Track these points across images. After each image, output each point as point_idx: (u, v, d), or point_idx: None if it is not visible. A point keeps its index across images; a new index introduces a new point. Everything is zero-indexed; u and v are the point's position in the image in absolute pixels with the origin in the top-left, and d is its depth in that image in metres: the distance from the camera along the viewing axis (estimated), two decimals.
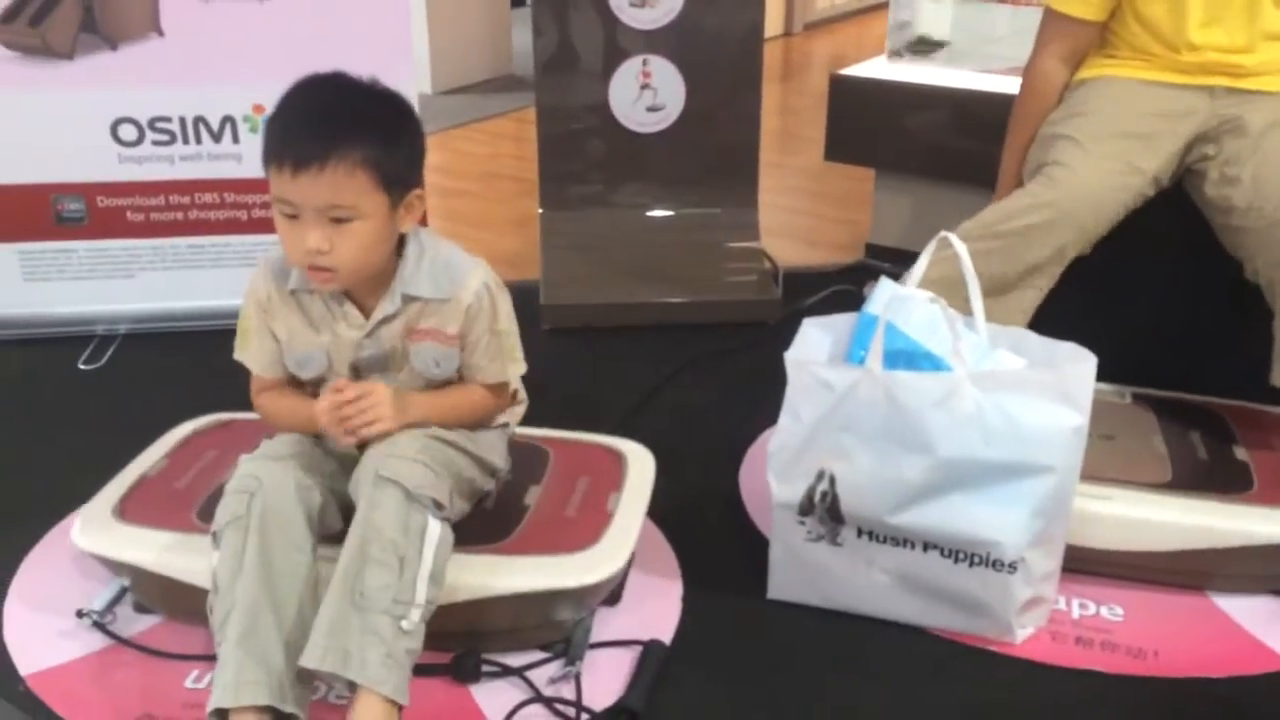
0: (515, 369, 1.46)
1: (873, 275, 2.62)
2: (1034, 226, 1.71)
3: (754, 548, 1.66)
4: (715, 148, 2.58)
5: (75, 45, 2.16)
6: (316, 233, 1.26)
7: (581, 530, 1.47)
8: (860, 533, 1.46)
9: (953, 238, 1.43)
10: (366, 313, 1.38)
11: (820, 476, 1.44)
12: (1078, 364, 1.38)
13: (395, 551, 1.25)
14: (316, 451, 1.39)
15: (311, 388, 1.46)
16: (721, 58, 2.51)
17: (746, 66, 2.53)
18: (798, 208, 3.34)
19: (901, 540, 1.44)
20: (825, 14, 6.40)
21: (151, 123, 2.23)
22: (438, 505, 1.30)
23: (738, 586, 1.59)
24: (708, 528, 1.75)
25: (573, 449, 1.68)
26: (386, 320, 1.38)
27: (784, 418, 1.47)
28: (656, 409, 2.10)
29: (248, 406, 1.50)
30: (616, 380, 2.20)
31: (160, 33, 2.17)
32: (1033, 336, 1.47)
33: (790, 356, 1.44)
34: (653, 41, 2.48)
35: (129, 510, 1.52)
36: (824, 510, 1.46)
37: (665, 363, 2.26)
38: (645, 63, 2.50)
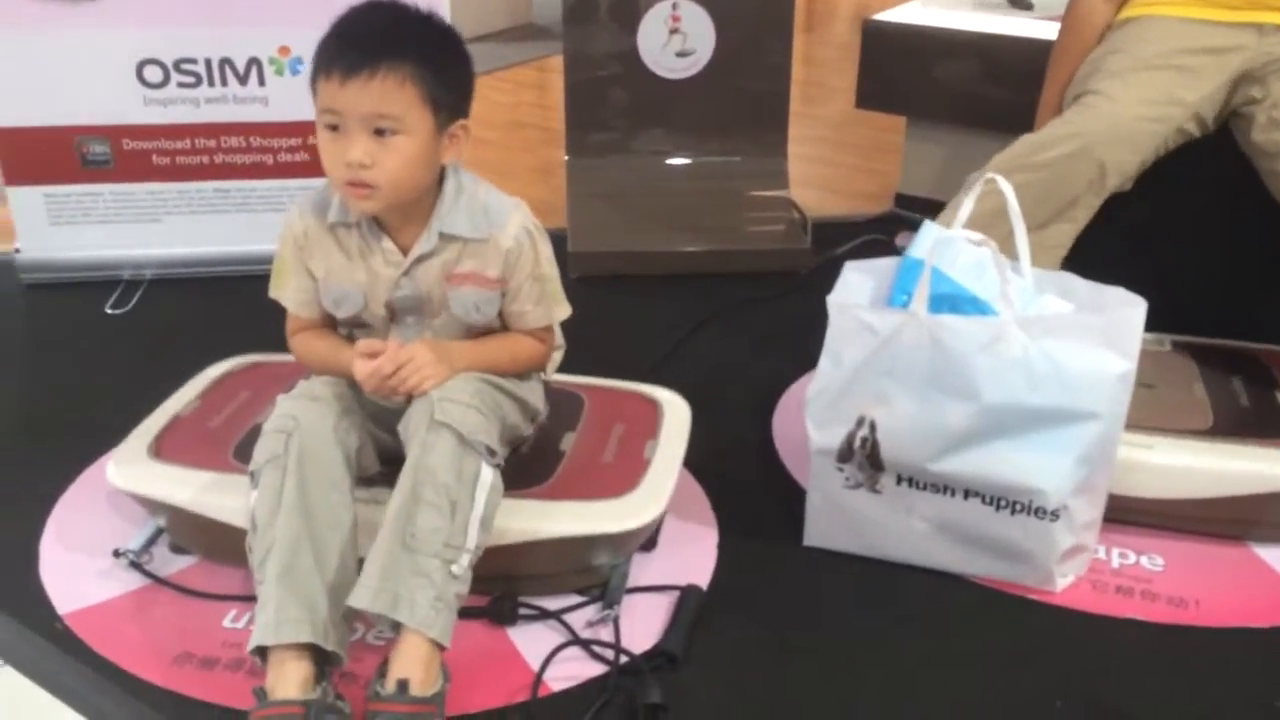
0: (560, 311, 1.44)
1: (904, 225, 2.62)
2: (1067, 156, 1.68)
3: (788, 495, 1.66)
4: (744, 94, 2.54)
5: None
6: (361, 144, 1.25)
7: (619, 476, 1.46)
8: (900, 480, 1.45)
9: (999, 179, 1.40)
10: (404, 251, 1.37)
11: (860, 422, 1.43)
12: (1126, 309, 1.36)
13: (448, 495, 1.24)
14: (353, 393, 1.38)
15: (346, 328, 1.44)
16: (752, 2, 2.46)
17: (777, 11, 2.49)
18: (822, 157, 3.30)
19: (942, 487, 1.43)
20: None
21: (177, 64, 2.20)
22: (490, 451, 1.29)
23: (773, 533, 1.59)
24: (741, 475, 1.74)
25: (607, 396, 1.67)
26: (424, 259, 1.36)
27: (824, 362, 1.45)
28: (686, 357, 2.08)
29: (275, 350, 1.48)
30: (645, 329, 2.18)
31: None
32: (1080, 281, 1.45)
33: (832, 299, 1.42)
34: None
35: (164, 449, 1.51)
36: (863, 457, 1.44)
37: (694, 311, 2.24)
38: (675, 6, 2.45)
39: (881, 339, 1.36)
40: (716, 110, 2.54)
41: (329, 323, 1.45)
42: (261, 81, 2.23)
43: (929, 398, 1.36)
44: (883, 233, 2.55)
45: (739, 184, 2.56)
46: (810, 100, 3.88)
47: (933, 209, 2.64)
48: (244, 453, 1.48)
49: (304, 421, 1.30)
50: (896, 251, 2.42)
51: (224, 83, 2.23)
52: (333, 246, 1.38)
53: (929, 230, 1.45)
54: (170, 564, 1.51)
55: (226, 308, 2.25)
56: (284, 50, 2.21)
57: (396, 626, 1.22)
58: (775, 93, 2.54)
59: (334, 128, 1.26)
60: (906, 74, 2.58)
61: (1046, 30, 2.47)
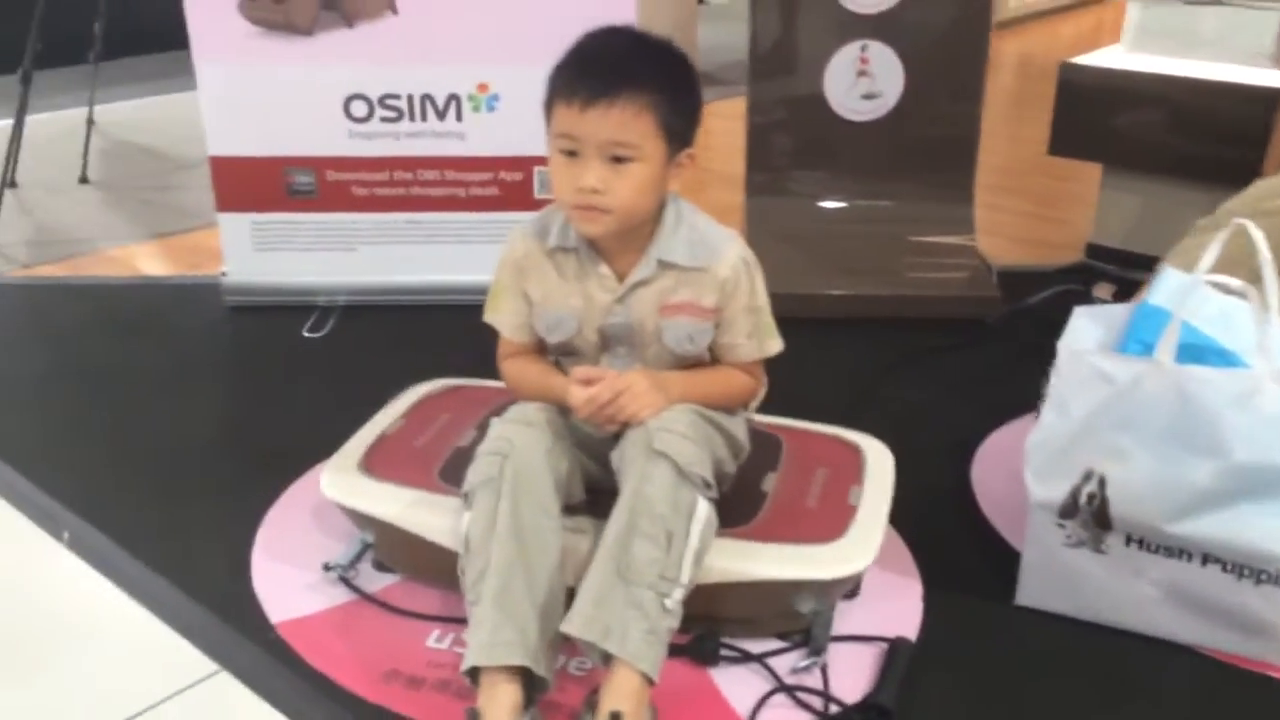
0: (772, 345, 1.42)
1: (1099, 276, 2.52)
2: None
3: (994, 550, 1.59)
4: (931, 138, 2.49)
5: (315, 22, 2.23)
6: (595, 170, 1.26)
7: (826, 522, 1.42)
8: (1129, 540, 1.36)
9: (1250, 226, 1.32)
10: (620, 277, 1.37)
11: (1088, 477, 1.36)
12: None
13: (664, 526, 1.23)
14: (564, 419, 1.38)
15: (556, 355, 1.45)
16: (945, 45, 2.43)
17: (971, 55, 2.44)
18: (1002, 205, 3.21)
19: (1177, 551, 1.34)
20: (1014, 13, 6.17)
21: (381, 100, 2.29)
22: (706, 484, 1.27)
23: (980, 589, 1.52)
24: (941, 526, 1.67)
25: (806, 439, 1.63)
26: (640, 285, 1.36)
27: (1048, 412, 1.39)
28: (874, 402, 2.03)
29: (466, 376, 1.48)
30: (830, 373, 2.14)
31: (395, 11, 2.22)
32: None
33: (1065, 345, 1.36)
34: (873, 27, 2.41)
35: (373, 465, 1.55)
36: (1089, 514, 1.37)
37: (879, 357, 2.19)
38: (864, 48, 2.43)
39: (1118, 389, 1.30)
40: (902, 153, 2.50)
41: (540, 349, 1.46)
42: (459, 117, 2.30)
43: (1169, 454, 1.29)
44: (1076, 283, 2.45)
45: (923, 228, 2.50)
46: (982, 148, 3.79)
47: (1127, 260, 2.56)
48: (449, 474, 1.51)
49: (518, 445, 1.31)
50: (1092, 304, 2.33)
51: (424, 118, 2.30)
52: (551, 270, 1.39)
53: (1169, 277, 1.38)
54: (375, 581, 1.54)
55: (414, 335, 2.31)
56: (482, 87, 2.28)
57: (606, 658, 1.21)
58: (964, 137, 2.49)
59: (570, 153, 1.27)
60: (1105, 120, 2.49)
61: (1255, 77, 2.36)
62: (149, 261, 2.86)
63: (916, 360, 2.19)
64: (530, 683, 1.23)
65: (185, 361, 2.27)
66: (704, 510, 1.27)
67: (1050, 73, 2.59)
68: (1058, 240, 2.86)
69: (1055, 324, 2.31)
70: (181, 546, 1.64)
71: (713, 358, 1.43)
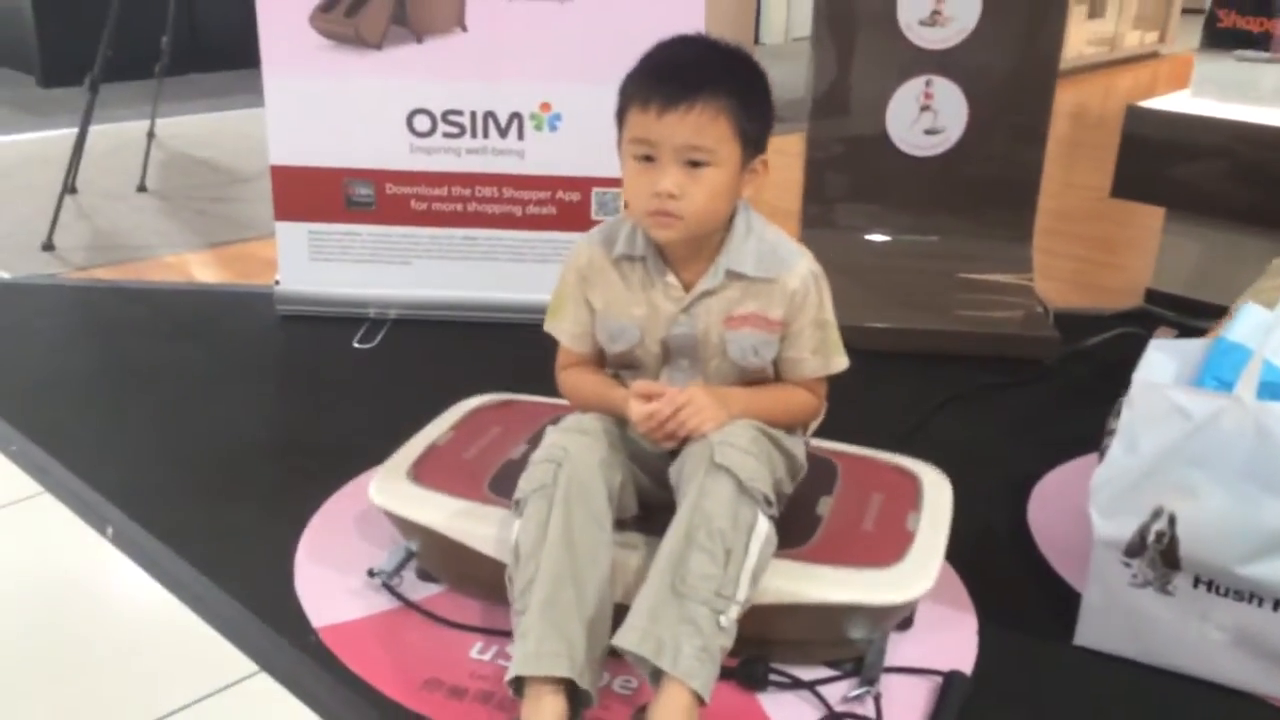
0: (839, 361, 1.40)
1: (1160, 321, 2.47)
2: None
3: (1051, 589, 1.56)
4: (993, 176, 2.47)
5: (385, 37, 2.26)
6: (672, 175, 1.25)
7: (884, 546, 1.39)
8: (1198, 582, 1.32)
9: None
10: (686, 287, 1.35)
11: (1157, 515, 1.31)
12: None
13: (722, 542, 1.20)
14: (619, 431, 1.37)
15: (615, 368, 1.44)
16: (1010, 83, 2.41)
17: (1037, 92, 2.41)
18: (1058, 250, 3.17)
19: (1248, 595, 1.29)
20: (1070, 64, 6.14)
21: (444, 115, 2.31)
22: (767, 501, 1.25)
23: (1036, 627, 1.48)
24: (997, 563, 1.63)
25: (861, 464, 1.60)
26: (707, 295, 1.34)
27: (1117, 447, 1.35)
28: (928, 437, 1.99)
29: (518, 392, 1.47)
30: (884, 406, 2.11)
31: (464, 28, 2.24)
32: None
33: (1139, 378, 1.33)
34: (939, 62, 2.40)
35: (422, 474, 1.53)
36: (1157, 553, 1.33)
37: (933, 392, 2.15)
38: (928, 83, 2.42)
39: (1195, 424, 1.26)
40: (962, 190, 2.48)
41: (599, 361, 1.44)
42: (520, 135, 2.31)
43: (1245, 493, 1.24)
44: (1136, 327, 2.41)
45: (981, 266, 2.47)
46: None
47: (1187, 307, 2.51)
48: (499, 486, 1.49)
49: (573, 453, 1.29)
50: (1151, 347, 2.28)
51: (485, 135, 2.32)
52: (616, 279, 1.38)
53: (1249, 313, 1.34)
54: (418, 590, 1.52)
55: (464, 351, 2.31)
56: (545, 106, 2.29)
57: (655, 676, 1.18)
58: (1025, 175, 2.46)
59: (646, 158, 1.27)
60: (1169, 164, 2.45)
61: None
62: (202, 269, 2.89)
63: (970, 397, 2.15)
64: (575, 697, 1.20)
65: (235, 366, 2.28)
66: (764, 527, 1.24)
67: (1106, 122, 2.58)
68: (1114, 286, 2.82)
69: (1113, 367, 2.28)
70: (225, 547, 1.63)
71: (776, 375, 1.41)
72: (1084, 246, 3.19)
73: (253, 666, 1.41)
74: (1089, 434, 1.83)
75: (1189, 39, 7.04)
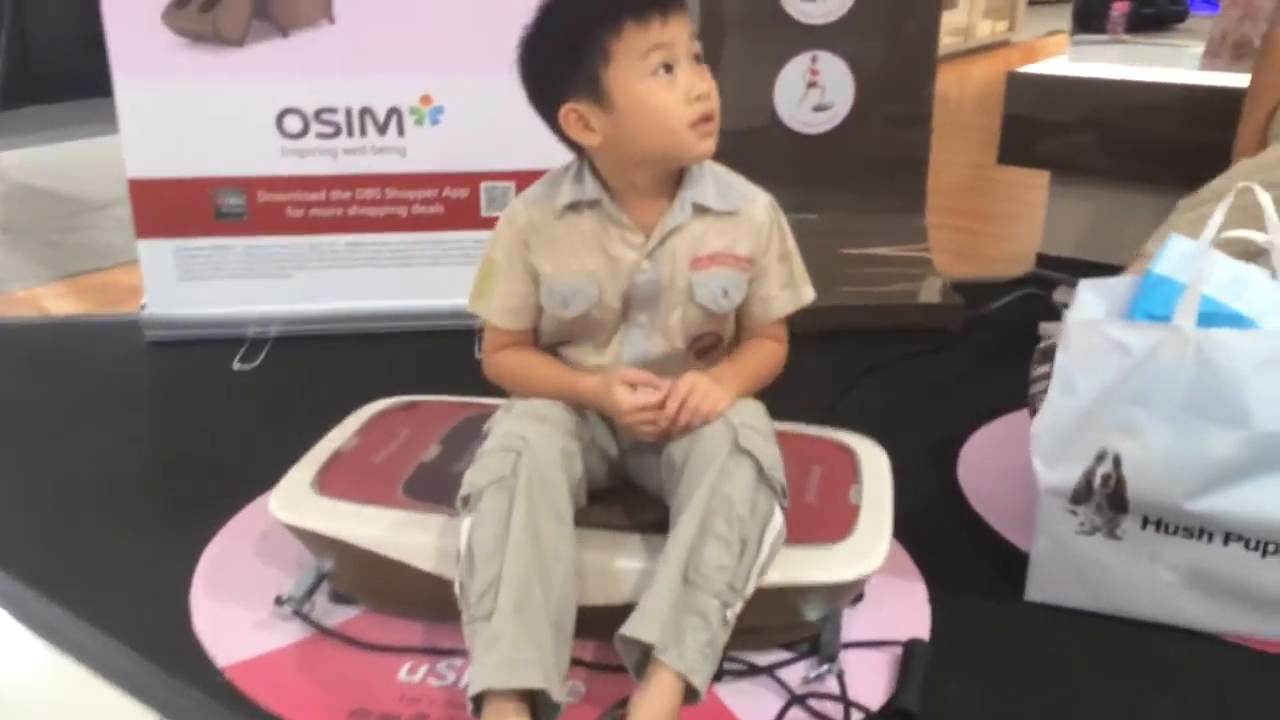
0: (807, 292, 1.35)
1: (1053, 284, 2.50)
2: None
3: (994, 548, 1.53)
4: (883, 150, 2.46)
5: (247, 32, 2.11)
6: (699, 73, 1.20)
7: (831, 522, 1.33)
8: (1146, 523, 1.30)
9: (1256, 188, 1.28)
10: (645, 231, 1.27)
11: (1101, 458, 1.29)
12: None
13: (740, 531, 1.12)
14: (575, 417, 1.27)
15: (555, 341, 1.33)
16: (894, 54, 2.40)
17: (919, 63, 2.42)
18: (941, 224, 3.19)
19: (1197, 531, 1.28)
20: None
21: (317, 114, 2.17)
22: (784, 492, 1.18)
23: (986, 589, 1.44)
24: (936, 527, 1.59)
25: (795, 440, 1.53)
26: (673, 234, 1.25)
27: (1054, 392, 1.32)
28: (851, 410, 1.95)
29: None
30: (802, 383, 2.01)
31: (332, 20, 2.11)
32: None
33: (1074, 317, 1.30)
34: (823, 37, 2.38)
35: (329, 484, 1.41)
36: (1104, 496, 1.30)
37: (847, 367, 2.12)
38: (814, 59, 2.39)
39: (1134, 359, 1.23)
40: (854, 166, 2.46)
41: (534, 340, 1.34)
42: (401, 132, 2.19)
43: (1189, 426, 1.23)
44: (1035, 289, 2.43)
45: (877, 239, 2.46)
46: None
47: (1079, 269, 2.54)
48: (415, 490, 1.39)
49: (533, 442, 1.18)
50: (1054, 308, 2.30)
51: (363, 133, 2.19)
52: (562, 234, 1.27)
53: (1175, 244, 1.33)
54: (334, 614, 1.39)
55: (355, 365, 2.17)
56: (425, 100, 2.17)
57: (641, 667, 1.08)
58: (915, 147, 2.46)
59: (668, 67, 1.18)
60: (1052, 127, 2.49)
61: (1197, 77, 2.40)
62: (58, 302, 2.66)
63: (885, 369, 2.13)
64: (537, 709, 1.08)
65: (104, 399, 2.08)
66: (779, 520, 1.18)
67: (966, 107, 2.60)
68: (1002, 255, 2.86)
69: (1018, 329, 2.30)
70: (109, 589, 1.47)
71: (737, 321, 1.34)
72: (967, 219, 3.23)
73: (155, 718, 1.26)
74: (1006, 394, 1.83)
75: (1036, 27, 7.34)
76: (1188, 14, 3.30)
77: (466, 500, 1.18)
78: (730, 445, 1.16)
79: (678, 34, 1.18)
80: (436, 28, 2.10)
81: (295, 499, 1.39)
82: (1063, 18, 7.31)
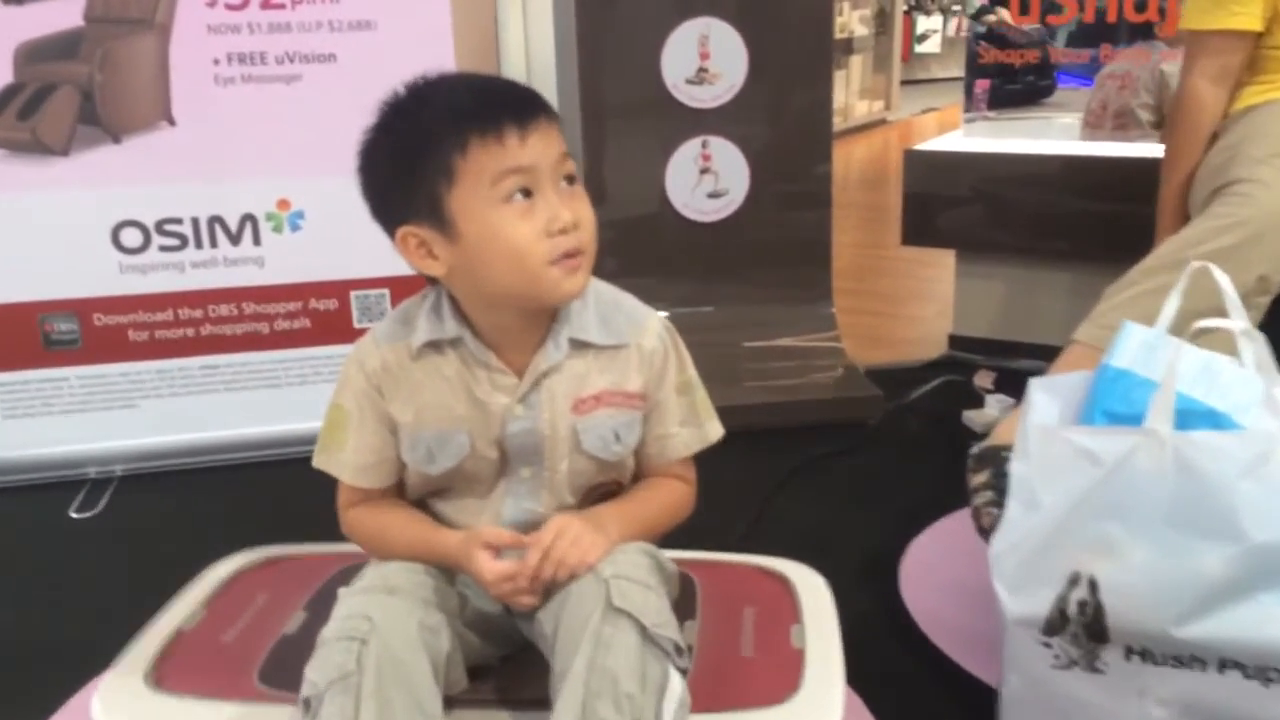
0: (714, 429, 1.17)
1: (969, 367, 2.39)
2: (1226, 250, 1.47)
3: (955, 684, 1.35)
4: (784, 234, 2.34)
5: (72, 139, 1.87)
6: (562, 200, 1.01)
7: (774, 676, 1.13)
8: (1130, 653, 1.13)
9: (1215, 270, 1.15)
10: (517, 373, 1.07)
11: (1075, 581, 1.12)
12: None
13: (631, 711, 0.91)
14: (438, 580, 1.06)
15: (424, 494, 1.13)
16: (788, 134, 2.30)
17: (814, 141, 2.32)
18: (846, 308, 3.10)
19: (1188, 659, 1.11)
20: None
21: (159, 225, 1.94)
22: (677, 650, 0.97)
23: None
24: (888, 663, 1.42)
25: (720, 573, 1.35)
26: (548, 375, 1.06)
27: (1014, 507, 1.16)
28: (771, 525, 1.78)
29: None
30: (716, 493, 1.85)
31: (172, 121, 1.90)
32: None
33: (1035, 422, 1.14)
34: (713, 121, 2.26)
35: (167, 675, 1.15)
36: (1080, 626, 1.13)
37: (762, 472, 1.95)
38: (705, 144, 2.27)
39: (1106, 469, 1.08)
40: (754, 252, 2.33)
41: (397, 492, 1.13)
42: (257, 240, 1.98)
43: (1172, 541, 1.07)
44: (954, 374, 2.31)
45: (786, 331, 2.33)
46: None
47: (993, 349, 2.46)
48: (274, 676, 1.14)
49: (382, 625, 0.96)
50: (975, 394, 2.19)
51: (213, 244, 1.97)
52: (423, 379, 1.07)
53: (1132, 333, 1.19)
54: None
55: (214, 505, 1.91)
56: (283, 204, 1.97)
57: None
58: (816, 229, 2.35)
59: (525, 192, 0.99)
60: (956, 204, 2.41)
61: (1088, 148, 2.37)
62: None
63: (804, 472, 1.97)
64: None
65: None
66: (677, 686, 0.96)
67: (853, 187, 2.53)
68: (914, 337, 2.76)
69: (941, 418, 2.17)
70: None
71: (637, 464, 1.15)
72: (873, 301, 3.14)
73: None
74: (937, 494, 1.68)
75: (911, 105, 7.51)
76: (1055, 88, 3.34)
77: (308, 704, 0.94)
78: (603, 606, 0.95)
79: (541, 154, 1.00)
80: (291, 125, 1.91)
81: (124, 698, 1.13)
82: (934, 96, 7.55)
